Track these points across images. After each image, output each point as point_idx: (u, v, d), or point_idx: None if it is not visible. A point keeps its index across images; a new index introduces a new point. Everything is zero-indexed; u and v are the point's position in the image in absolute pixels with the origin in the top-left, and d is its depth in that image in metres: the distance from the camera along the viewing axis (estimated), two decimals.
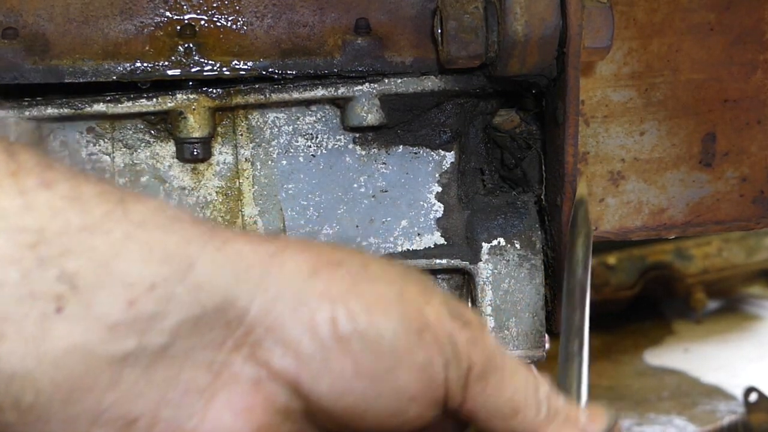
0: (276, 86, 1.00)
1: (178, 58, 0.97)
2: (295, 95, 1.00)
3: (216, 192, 1.05)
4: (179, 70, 0.97)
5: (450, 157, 1.07)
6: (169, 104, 0.98)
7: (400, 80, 1.00)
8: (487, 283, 1.06)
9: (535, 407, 0.60)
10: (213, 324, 0.53)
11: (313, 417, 0.57)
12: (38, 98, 0.98)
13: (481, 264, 1.06)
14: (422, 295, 0.58)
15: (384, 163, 1.07)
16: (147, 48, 0.98)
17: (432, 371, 0.56)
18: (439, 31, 0.94)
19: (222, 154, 1.05)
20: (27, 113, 0.97)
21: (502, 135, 1.08)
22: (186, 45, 0.97)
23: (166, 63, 0.97)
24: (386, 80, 1.00)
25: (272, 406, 0.55)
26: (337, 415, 0.56)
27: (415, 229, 1.08)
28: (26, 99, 0.98)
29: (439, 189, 1.07)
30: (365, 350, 0.55)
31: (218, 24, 0.99)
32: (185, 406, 0.53)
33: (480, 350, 0.58)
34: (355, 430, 0.57)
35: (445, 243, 1.08)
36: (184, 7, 0.99)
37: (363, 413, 0.56)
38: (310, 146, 1.05)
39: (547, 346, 1.12)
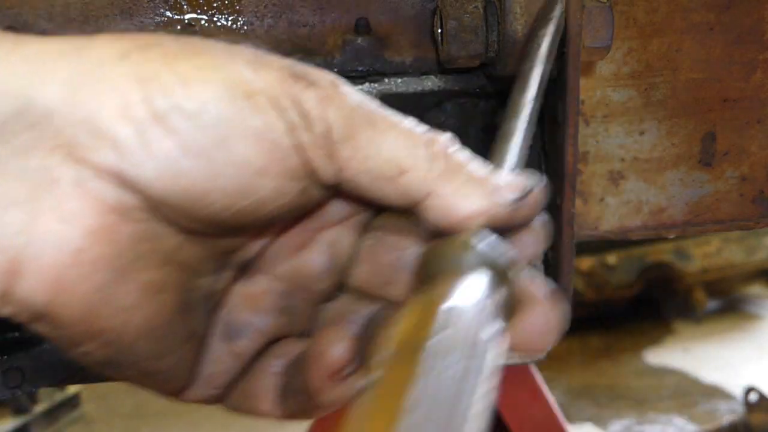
0: None
1: None
2: None
3: None
4: None
5: None
6: None
7: (400, 80, 1.00)
8: None
9: (426, 163, 0.53)
10: (17, 130, 0.48)
11: (157, 212, 0.51)
12: None
13: None
14: (252, 63, 0.52)
15: None
16: None
17: (272, 137, 0.51)
18: (439, 30, 0.94)
19: None
20: None
21: None
22: None
23: None
24: (386, 80, 1.00)
25: (102, 206, 0.49)
26: (177, 204, 0.51)
27: None
28: None
29: None
30: (188, 125, 0.49)
31: (218, 24, 0.99)
32: (9, 225, 0.48)
33: (336, 108, 0.52)
34: (211, 220, 0.52)
35: None
36: (185, 6, 0.99)
37: (205, 196, 0.50)
38: None
39: None
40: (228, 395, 0.62)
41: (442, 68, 0.98)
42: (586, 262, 4.79)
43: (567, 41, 0.90)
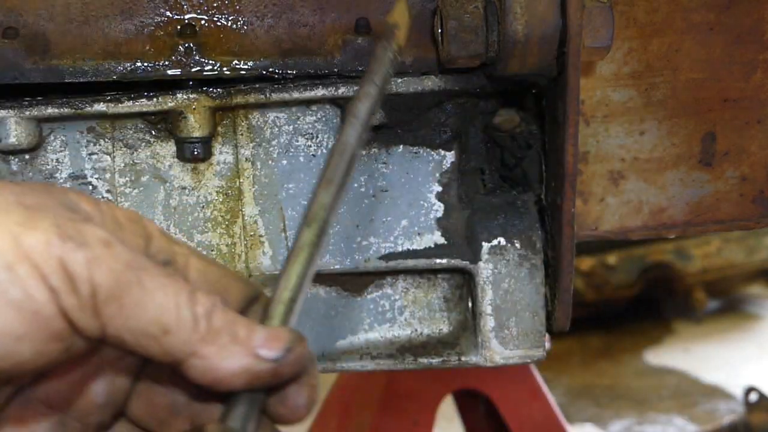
0: (276, 86, 1.00)
1: (179, 57, 0.97)
2: (296, 95, 1.00)
3: (216, 191, 1.05)
4: (179, 70, 0.97)
5: (450, 156, 1.07)
6: (169, 104, 0.98)
7: (400, 80, 1.00)
8: (487, 282, 1.06)
9: (191, 325, 0.55)
10: None
11: None
12: (38, 98, 0.98)
13: (481, 263, 1.06)
14: (23, 223, 0.53)
15: (384, 163, 1.07)
16: (147, 48, 0.98)
17: (34, 306, 0.52)
18: (440, 30, 0.94)
19: (222, 154, 1.05)
20: (27, 113, 0.97)
21: (502, 135, 1.08)
22: (186, 45, 0.97)
23: (167, 63, 0.97)
24: None
25: None
26: None
27: (416, 228, 1.08)
28: (26, 99, 0.98)
29: (440, 188, 1.07)
30: None
31: (219, 24, 0.99)
32: None
33: (105, 269, 0.54)
34: None
35: (446, 242, 1.08)
36: (185, 6, 0.99)
37: None
38: (311, 146, 1.05)
39: (547, 345, 1.12)
40: None
41: (443, 68, 0.98)
42: (586, 262, 4.79)
43: (567, 41, 0.90)
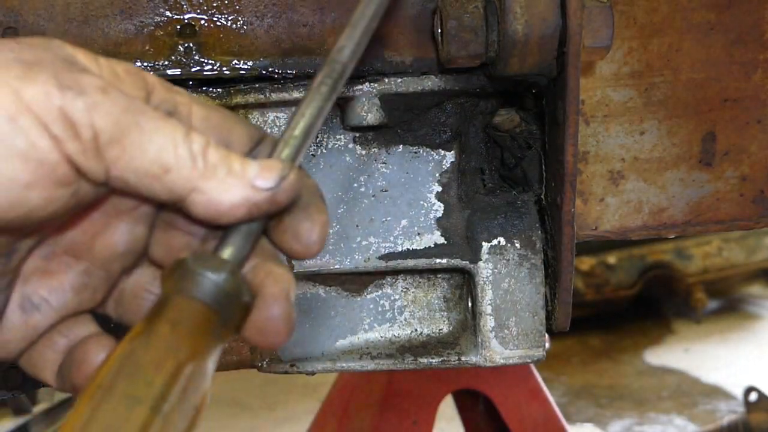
0: (276, 86, 1.00)
1: (178, 57, 0.97)
2: (295, 94, 1.00)
3: None
4: (179, 70, 0.97)
5: (450, 156, 1.07)
6: None
7: (400, 80, 1.00)
8: (487, 282, 1.06)
9: (189, 162, 0.58)
10: None
11: None
12: None
13: (481, 263, 1.06)
14: (23, 77, 0.55)
15: (384, 163, 1.06)
16: (147, 47, 0.98)
17: (38, 155, 0.55)
18: (439, 30, 0.94)
19: None
20: None
21: (502, 134, 1.08)
22: (186, 44, 0.97)
23: (166, 62, 0.97)
24: (386, 80, 1.00)
25: None
26: None
27: (416, 228, 1.08)
28: None
29: (440, 188, 1.07)
30: None
31: (218, 23, 0.99)
32: None
33: (104, 114, 0.56)
34: None
35: (446, 242, 1.08)
36: (184, 6, 0.99)
37: None
38: (311, 146, 1.05)
39: (547, 345, 1.12)
40: (19, 358, 0.67)
41: (442, 68, 0.98)
42: (586, 262, 4.79)
43: (567, 41, 0.90)
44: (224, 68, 0.98)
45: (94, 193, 0.59)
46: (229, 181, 0.59)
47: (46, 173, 0.56)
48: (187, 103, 0.63)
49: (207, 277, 0.59)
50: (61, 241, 0.64)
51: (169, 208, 0.64)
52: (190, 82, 0.99)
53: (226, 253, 0.61)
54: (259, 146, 0.66)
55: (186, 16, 0.99)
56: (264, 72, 0.99)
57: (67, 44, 0.61)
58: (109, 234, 0.65)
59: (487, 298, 1.07)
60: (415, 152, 1.07)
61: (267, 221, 0.63)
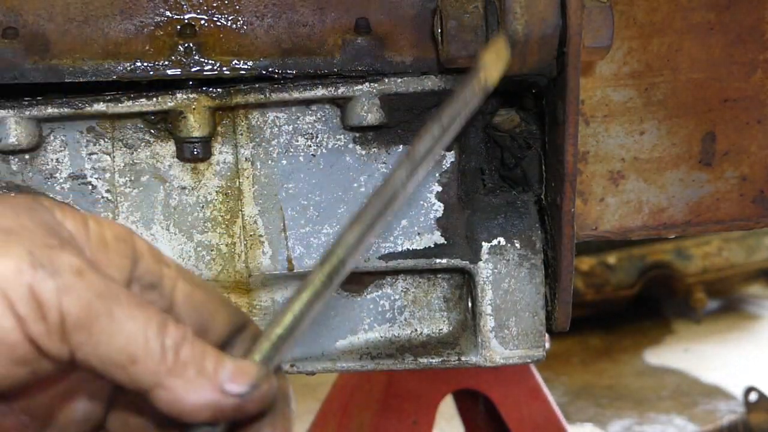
0: (276, 86, 1.00)
1: (178, 57, 0.97)
2: (295, 95, 1.00)
3: (216, 191, 1.05)
4: (179, 70, 0.97)
5: (450, 156, 1.07)
6: (169, 104, 0.98)
7: (400, 80, 1.00)
8: (487, 282, 1.06)
9: (158, 356, 0.56)
10: None
11: None
12: (38, 98, 0.98)
13: (481, 263, 1.06)
14: None
15: (384, 163, 1.07)
16: (147, 47, 0.98)
17: None
18: (439, 30, 0.94)
19: (222, 154, 1.05)
20: (27, 113, 0.97)
21: (502, 134, 1.08)
22: (186, 44, 0.97)
23: (166, 62, 0.97)
24: (386, 80, 1.00)
25: None
26: None
27: (415, 228, 1.08)
28: (26, 99, 0.98)
29: (440, 188, 1.07)
30: None
31: (218, 23, 0.99)
32: None
33: (75, 298, 0.54)
34: None
35: (446, 242, 1.08)
36: (184, 6, 0.99)
37: None
38: (311, 146, 1.05)
39: (547, 345, 1.12)
40: None
41: (442, 68, 0.98)
42: (586, 262, 4.79)
43: (567, 41, 0.90)
44: (224, 68, 0.98)
45: (56, 369, 0.58)
46: (197, 381, 0.57)
47: (4, 351, 0.54)
48: (173, 277, 0.61)
49: None
50: (20, 402, 0.63)
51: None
52: (190, 82, 0.99)
53: None
54: (240, 334, 0.64)
55: (186, 16, 0.99)
56: (264, 72, 0.99)
57: (57, 207, 0.59)
58: (68, 401, 0.63)
59: (487, 298, 1.07)
60: None
61: (231, 425, 0.61)
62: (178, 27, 0.98)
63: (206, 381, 0.57)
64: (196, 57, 0.97)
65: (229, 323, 0.64)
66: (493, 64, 0.68)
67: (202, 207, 1.05)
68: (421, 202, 1.07)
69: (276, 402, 0.62)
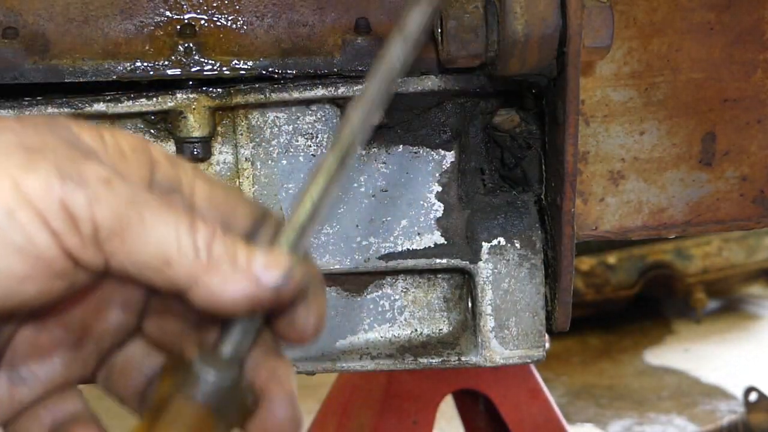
0: (276, 86, 1.00)
1: (178, 57, 0.97)
2: (295, 95, 1.00)
3: None
4: (179, 70, 0.97)
5: (450, 156, 1.07)
6: (169, 104, 0.98)
7: (400, 80, 1.00)
8: (487, 282, 1.06)
9: (192, 255, 0.57)
10: None
11: None
12: (38, 98, 0.98)
13: (481, 263, 1.06)
14: (24, 166, 0.54)
15: (384, 163, 1.07)
16: (147, 47, 0.98)
17: (36, 250, 0.54)
18: (439, 30, 0.94)
19: (222, 154, 1.05)
20: (27, 113, 0.97)
21: (502, 134, 1.08)
22: (186, 44, 0.97)
23: (166, 62, 0.97)
24: None
25: None
26: None
27: (415, 228, 1.08)
28: (26, 99, 0.98)
29: (439, 188, 1.07)
30: None
31: (218, 23, 0.99)
32: None
33: (105, 207, 0.55)
34: None
35: (445, 242, 1.08)
36: (184, 6, 0.99)
37: None
38: (311, 146, 1.05)
39: (547, 345, 1.12)
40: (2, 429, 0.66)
41: (442, 68, 0.98)
42: (586, 262, 4.79)
43: (567, 41, 0.90)
44: (224, 68, 0.98)
45: (91, 280, 0.59)
46: (233, 275, 0.57)
47: (43, 267, 0.55)
48: (190, 179, 0.62)
49: (208, 379, 0.58)
50: (53, 314, 0.63)
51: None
52: (190, 82, 0.99)
53: (227, 349, 0.60)
54: (263, 225, 0.64)
55: (186, 16, 0.99)
56: (264, 72, 0.99)
57: (73, 123, 0.59)
58: (102, 311, 0.64)
59: (487, 298, 1.07)
60: (415, 152, 1.07)
61: (267, 316, 0.62)
62: (178, 27, 0.98)
63: (241, 274, 0.57)
64: (196, 57, 0.97)
65: (251, 215, 0.64)
66: None
67: None
68: (421, 202, 1.07)
69: (308, 287, 0.62)
